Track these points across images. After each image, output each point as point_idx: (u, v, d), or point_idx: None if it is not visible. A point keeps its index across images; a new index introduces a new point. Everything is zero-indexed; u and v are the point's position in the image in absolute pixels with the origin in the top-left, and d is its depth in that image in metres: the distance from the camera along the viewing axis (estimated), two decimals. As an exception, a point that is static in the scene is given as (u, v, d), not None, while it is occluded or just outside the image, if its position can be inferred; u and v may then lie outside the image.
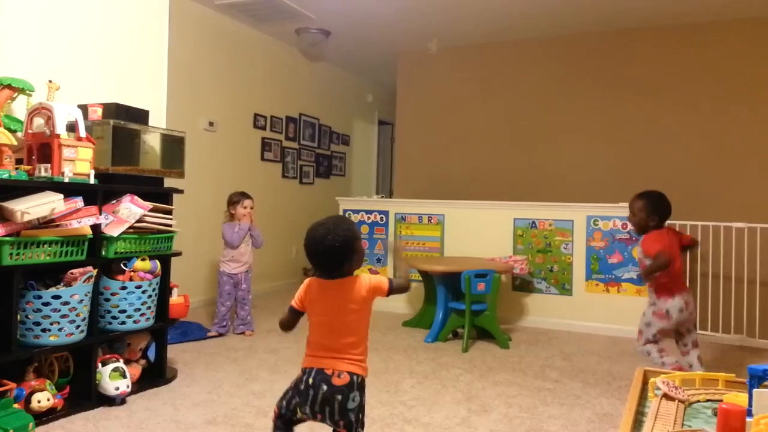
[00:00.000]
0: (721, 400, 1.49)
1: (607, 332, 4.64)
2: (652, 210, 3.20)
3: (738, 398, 1.40)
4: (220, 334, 4.29)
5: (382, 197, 6.58)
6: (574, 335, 4.57)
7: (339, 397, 1.81)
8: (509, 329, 4.70)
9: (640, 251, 3.20)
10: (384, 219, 5.47)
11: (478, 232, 5.10)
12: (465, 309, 4.14)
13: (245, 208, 4.32)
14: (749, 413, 1.24)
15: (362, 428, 1.88)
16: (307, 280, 1.97)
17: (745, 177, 5.26)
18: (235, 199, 4.35)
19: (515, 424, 2.69)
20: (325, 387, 1.81)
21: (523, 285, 4.97)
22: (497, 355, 3.93)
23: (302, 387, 1.84)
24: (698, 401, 1.59)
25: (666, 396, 1.55)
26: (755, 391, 1.27)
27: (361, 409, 1.87)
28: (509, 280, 5.04)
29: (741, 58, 5.32)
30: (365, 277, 1.92)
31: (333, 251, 1.84)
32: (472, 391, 3.14)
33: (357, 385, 1.85)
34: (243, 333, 4.32)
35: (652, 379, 1.66)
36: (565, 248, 4.83)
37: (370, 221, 5.49)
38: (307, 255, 1.90)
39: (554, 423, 2.72)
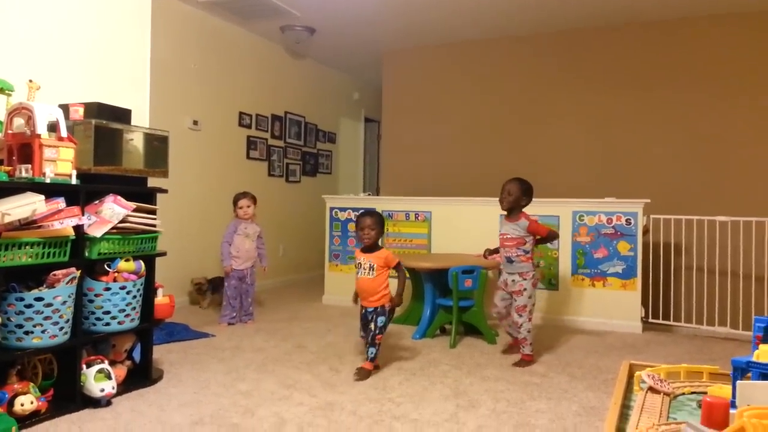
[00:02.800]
0: (705, 393, 1.50)
1: (593, 326, 4.68)
2: (525, 192, 3.70)
3: (722, 390, 1.41)
4: (230, 324, 4.55)
5: (369, 195, 6.57)
6: (561, 330, 4.60)
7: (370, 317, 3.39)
8: (496, 325, 4.71)
9: (521, 228, 3.67)
10: (371, 216, 5.45)
11: (464, 228, 5.11)
12: (452, 305, 4.15)
13: (241, 208, 4.66)
14: (733, 405, 1.25)
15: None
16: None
17: (728, 171, 5.32)
18: (234, 199, 4.73)
19: (503, 419, 2.70)
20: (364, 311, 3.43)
21: (510, 281, 4.98)
22: (485, 351, 3.94)
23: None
24: (683, 394, 1.60)
25: (651, 389, 1.56)
26: (739, 383, 1.28)
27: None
28: (496, 276, 5.04)
29: (727, 53, 5.36)
30: (386, 252, 3.44)
31: (372, 220, 3.39)
32: (460, 387, 3.15)
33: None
34: (245, 323, 4.61)
35: (637, 373, 1.67)
36: (551, 243, 4.84)
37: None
38: (357, 222, 3.44)
39: (541, 417, 2.74)
